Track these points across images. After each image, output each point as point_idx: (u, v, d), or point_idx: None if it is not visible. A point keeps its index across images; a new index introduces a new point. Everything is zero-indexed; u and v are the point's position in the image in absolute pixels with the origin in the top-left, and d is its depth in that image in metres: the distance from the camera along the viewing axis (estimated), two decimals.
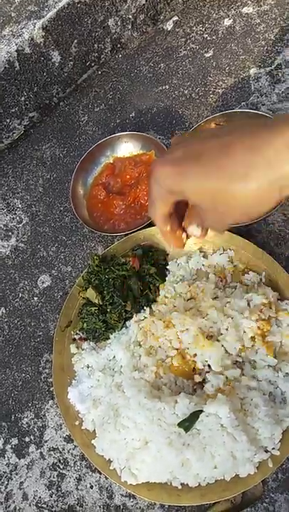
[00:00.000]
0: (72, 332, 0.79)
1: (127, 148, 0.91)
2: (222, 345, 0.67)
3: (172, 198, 0.49)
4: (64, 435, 0.76)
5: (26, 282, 0.90)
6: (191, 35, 1.00)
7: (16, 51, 0.91)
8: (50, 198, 0.96)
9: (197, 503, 0.63)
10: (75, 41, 0.97)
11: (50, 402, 0.79)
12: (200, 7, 1.02)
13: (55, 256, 0.90)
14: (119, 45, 1.05)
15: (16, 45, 0.91)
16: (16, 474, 0.76)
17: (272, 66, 0.89)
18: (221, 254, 0.77)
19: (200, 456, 0.60)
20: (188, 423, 0.61)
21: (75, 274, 0.87)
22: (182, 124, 0.92)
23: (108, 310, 0.75)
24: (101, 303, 0.76)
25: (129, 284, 0.76)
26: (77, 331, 0.79)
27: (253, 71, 0.90)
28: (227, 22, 0.97)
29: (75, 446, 0.75)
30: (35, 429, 0.78)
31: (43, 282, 0.89)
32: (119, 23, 1.01)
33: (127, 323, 0.76)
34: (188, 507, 0.66)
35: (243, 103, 0.89)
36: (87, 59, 1.02)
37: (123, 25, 1.02)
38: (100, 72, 1.05)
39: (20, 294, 0.89)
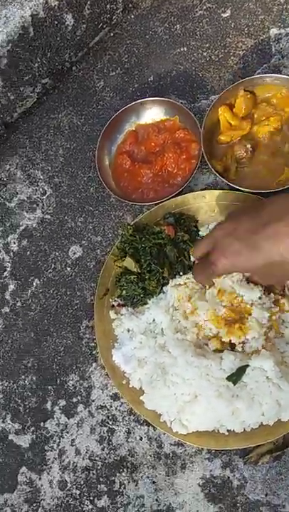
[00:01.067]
0: (110, 299, 0.83)
1: (149, 114, 0.91)
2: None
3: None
4: (110, 394, 0.81)
5: (57, 253, 0.92)
6: None
7: (31, 15, 0.88)
8: (73, 168, 0.97)
9: (243, 446, 0.70)
10: (88, 2, 0.94)
11: (94, 364, 0.84)
12: None
13: (83, 226, 0.92)
14: (131, 5, 1.02)
15: (30, 9, 0.87)
16: (67, 433, 0.82)
17: None
18: None
19: (249, 405, 0.67)
20: (235, 376, 0.67)
21: (106, 244, 0.90)
22: (204, 88, 0.92)
23: (146, 277, 0.79)
24: (139, 271, 0.79)
25: (165, 251, 0.79)
26: (115, 298, 0.82)
27: (273, 32, 0.90)
28: None
29: (122, 403, 0.80)
30: (82, 390, 0.83)
31: (74, 253, 0.91)
32: None
33: (164, 288, 0.80)
34: (234, 450, 0.73)
35: (264, 65, 0.89)
36: (99, 21, 0.99)
37: None
38: (112, 34, 1.02)
39: (52, 265, 0.91)
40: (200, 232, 0.82)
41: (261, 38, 0.90)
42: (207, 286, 0.74)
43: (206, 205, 0.82)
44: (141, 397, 0.76)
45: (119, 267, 0.82)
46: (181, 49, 0.96)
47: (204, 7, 0.97)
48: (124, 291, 0.80)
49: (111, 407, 0.81)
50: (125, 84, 0.98)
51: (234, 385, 0.67)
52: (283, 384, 0.66)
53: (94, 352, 0.84)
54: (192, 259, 0.79)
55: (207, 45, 0.94)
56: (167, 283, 0.80)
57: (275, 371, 0.66)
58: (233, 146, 0.81)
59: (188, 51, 0.95)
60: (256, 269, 0.60)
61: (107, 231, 0.91)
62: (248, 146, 0.79)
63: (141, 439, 0.78)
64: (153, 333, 0.78)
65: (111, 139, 0.92)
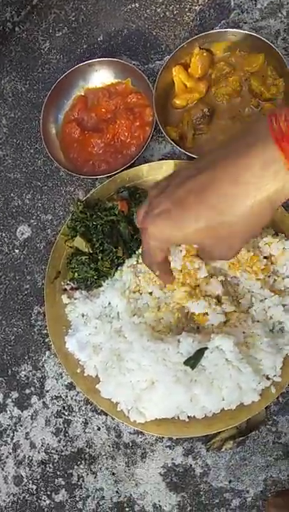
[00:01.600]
0: (62, 283, 0.76)
1: (99, 77, 0.82)
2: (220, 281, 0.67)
3: (168, 246, 0.52)
4: (66, 383, 0.76)
5: (4, 234, 0.84)
6: None
7: None
8: (18, 140, 0.88)
9: (205, 432, 0.67)
10: None
11: (47, 353, 0.78)
12: None
13: (31, 204, 0.84)
14: None
15: None
16: (21, 426, 0.77)
17: None
18: None
19: (208, 390, 0.62)
20: (193, 360, 0.63)
21: (57, 223, 0.83)
22: (158, 47, 0.84)
23: (99, 258, 0.72)
24: (91, 251, 0.73)
25: (119, 229, 0.73)
26: (68, 281, 0.76)
27: None
28: None
29: (78, 392, 0.75)
30: (35, 381, 0.77)
31: (22, 233, 0.84)
32: None
33: (119, 268, 0.74)
34: (196, 437, 0.69)
35: (223, 21, 0.81)
36: None
37: None
38: None
39: None
40: None
41: None
42: (157, 273, 0.58)
43: (162, 177, 0.75)
44: (96, 386, 0.70)
45: (70, 247, 0.76)
46: (133, 5, 0.87)
47: None
48: (76, 274, 0.74)
49: (66, 397, 0.76)
50: (73, 45, 0.89)
51: (192, 369, 0.63)
52: (244, 366, 0.62)
53: (47, 340, 0.78)
54: None
55: (161, 1, 0.86)
56: (123, 263, 0.74)
57: (235, 352, 0.62)
58: (190, 111, 0.74)
59: (141, 7, 0.87)
60: (191, 237, 0.46)
61: (58, 208, 0.83)
62: (206, 110, 0.73)
63: (99, 429, 0.74)
64: (109, 318, 0.73)
65: (57, 106, 0.83)
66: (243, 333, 0.65)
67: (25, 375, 0.78)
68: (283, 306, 0.67)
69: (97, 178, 0.80)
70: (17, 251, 0.83)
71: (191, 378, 0.63)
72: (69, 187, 0.83)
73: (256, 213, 0.43)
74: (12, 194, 0.86)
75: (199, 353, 0.63)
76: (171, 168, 0.75)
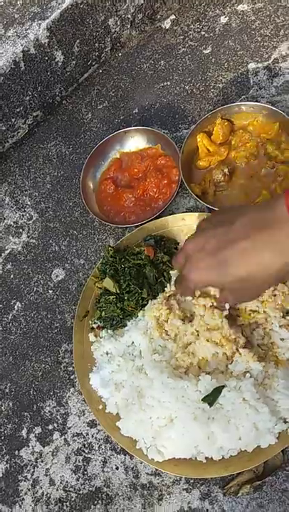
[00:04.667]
0: (90, 322, 0.82)
1: (133, 143, 0.94)
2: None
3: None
4: (87, 420, 0.79)
5: (40, 276, 0.92)
6: (188, 33, 1.04)
7: (22, 51, 0.93)
8: (59, 194, 0.99)
9: (222, 474, 0.67)
10: (78, 41, 1.00)
11: (72, 389, 0.82)
12: (196, 6, 1.05)
13: (67, 250, 0.93)
14: (118, 44, 1.08)
15: (22, 45, 0.93)
16: (42, 462, 0.78)
17: (270, 60, 0.93)
18: None
19: (225, 428, 0.64)
20: (211, 398, 0.65)
21: (88, 267, 0.90)
22: (185, 118, 0.96)
23: (125, 298, 0.78)
24: (118, 291, 0.79)
25: (145, 272, 0.79)
26: (95, 320, 0.81)
27: (251, 66, 0.94)
28: (223, 20, 1.01)
29: (99, 430, 0.77)
30: (58, 417, 0.80)
31: (56, 276, 0.91)
32: (118, 22, 1.04)
33: (143, 309, 0.79)
34: (213, 479, 0.69)
35: (243, 96, 0.93)
36: (88, 58, 1.05)
37: (122, 24, 1.05)
38: (100, 71, 1.08)
39: (35, 288, 0.91)
40: None
41: (240, 71, 0.95)
42: (188, 298, 0.74)
43: (186, 227, 0.83)
44: (117, 423, 0.73)
45: (100, 288, 0.82)
46: (165, 83, 1.01)
47: (187, 45, 1.03)
48: (103, 312, 0.80)
49: (87, 434, 0.78)
50: (111, 116, 1.02)
51: (210, 406, 0.65)
52: (261, 406, 0.63)
53: (72, 377, 0.82)
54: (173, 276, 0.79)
55: (189, 79, 0.99)
56: (147, 304, 0.79)
57: (252, 392, 0.64)
58: (211, 171, 0.83)
59: (171, 85, 1.00)
60: (226, 283, 0.60)
61: (90, 254, 0.91)
62: (226, 170, 0.81)
63: (117, 468, 0.75)
64: (131, 356, 0.77)
65: (96, 166, 0.94)
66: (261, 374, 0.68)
67: (49, 411, 0.81)
68: None
69: (127, 228, 0.88)
70: (51, 291, 0.90)
71: (209, 416, 0.65)
72: (101, 235, 0.92)
73: (278, 274, 0.55)
74: (51, 241, 0.95)
75: (217, 391, 0.65)
76: (194, 220, 0.82)
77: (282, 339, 0.70)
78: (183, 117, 0.96)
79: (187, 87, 0.98)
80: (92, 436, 0.78)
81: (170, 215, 0.86)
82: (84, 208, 0.93)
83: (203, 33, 1.02)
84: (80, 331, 0.81)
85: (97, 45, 1.04)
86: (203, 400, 0.65)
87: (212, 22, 1.02)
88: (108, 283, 0.79)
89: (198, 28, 1.03)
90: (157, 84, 1.01)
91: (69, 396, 0.81)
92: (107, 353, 0.79)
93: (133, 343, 0.77)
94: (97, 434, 0.78)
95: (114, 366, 0.77)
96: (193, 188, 0.82)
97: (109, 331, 0.80)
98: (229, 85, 0.95)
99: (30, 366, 0.85)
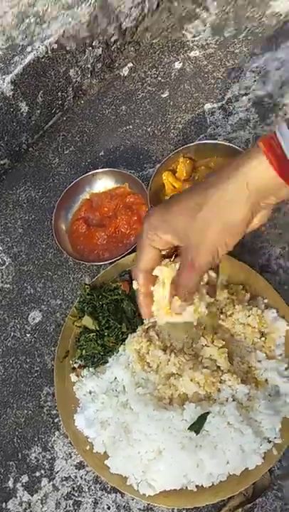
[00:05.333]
0: (70, 361, 0.82)
1: (101, 184, 0.98)
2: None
3: (159, 243, 0.59)
4: (74, 463, 0.77)
5: (17, 321, 0.92)
6: (146, 79, 1.11)
7: None
8: (31, 238, 1.01)
9: (213, 501, 0.67)
10: (41, 92, 1.05)
11: (57, 433, 0.80)
12: (151, 53, 1.14)
13: (42, 291, 0.94)
14: (80, 92, 1.14)
15: None
16: (31, 511, 0.76)
17: (224, 101, 1.01)
18: None
19: (212, 454, 0.65)
20: (198, 425, 0.66)
21: (66, 306, 0.91)
22: (149, 158, 1.01)
23: (106, 334, 0.79)
24: (98, 328, 0.80)
25: (122, 307, 0.81)
26: (76, 360, 0.82)
27: (207, 106, 1.02)
28: (178, 65, 1.09)
29: (88, 471, 0.76)
30: (45, 462, 0.79)
31: (33, 318, 0.92)
32: (79, 72, 1.10)
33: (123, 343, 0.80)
34: (205, 507, 0.69)
35: (201, 135, 0.99)
36: (52, 106, 1.10)
37: (83, 74, 1.11)
38: (65, 118, 1.13)
39: (12, 333, 0.91)
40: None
41: (197, 112, 1.02)
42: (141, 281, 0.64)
43: None
44: (105, 462, 0.72)
45: (79, 326, 0.83)
46: (127, 127, 1.07)
47: (145, 90, 1.10)
48: (84, 351, 0.80)
49: (76, 477, 0.77)
50: (78, 160, 1.06)
51: (196, 434, 0.66)
52: (245, 428, 0.65)
53: (56, 420, 0.81)
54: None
55: (150, 122, 1.05)
56: (126, 338, 0.80)
57: (235, 416, 0.66)
58: None
59: (134, 128, 1.06)
60: (191, 226, 0.54)
61: (67, 293, 0.92)
62: None
63: (109, 508, 0.73)
64: (115, 392, 0.77)
65: (66, 208, 0.97)
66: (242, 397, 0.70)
67: (35, 457, 0.80)
68: (277, 370, 0.72)
69: (101, 265, 0.91)
70: (28, 335, 0.90)
71: (196, 444, 0.66)
72: (77, 274, 0.93)
73: (244, 216, 0.52)
74: (25, 284, 0.95)
75: (202, 418, 0.67)
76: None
77: (259, 361, 0.72)
78: (147, 157, 1.01)
79: (149, 129, 1.04)
80: (82, 477, 0.76)
81: None
82: (57, 249, 0.95)
83: (159, 78, 1.10)
84: (61, 373, 0.81)
85: (60, 94, 1.10)
86: (190, 428, 0.66)
87: (167, 68, 1.10)
88: (87, 321, 0.80)
89: (154, 73, 1.11)
90: (120, 128, 1.07)
91: (54, 440, 0.80)
92: (90, 392, 0.79)
93: (116, 378, 0.78)
94: (86, 475, 0.76)
95: (98, 404, 0.77)
96: None
97: (90, 369, 0.80)
98: (188, 125, 1.01)
99: (12, 414, 0.84)
